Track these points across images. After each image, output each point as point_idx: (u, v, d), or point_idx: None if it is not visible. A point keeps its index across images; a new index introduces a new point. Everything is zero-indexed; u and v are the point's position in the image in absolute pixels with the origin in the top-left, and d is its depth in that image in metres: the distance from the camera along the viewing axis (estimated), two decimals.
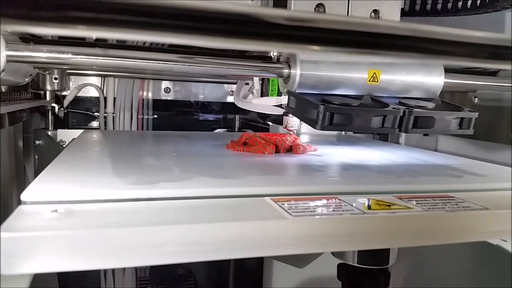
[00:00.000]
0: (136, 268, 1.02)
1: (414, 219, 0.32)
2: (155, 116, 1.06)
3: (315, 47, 0.28)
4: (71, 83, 1.01)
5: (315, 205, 0.32)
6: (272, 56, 0.54)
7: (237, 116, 1.12)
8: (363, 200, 0.34)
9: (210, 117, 1.11)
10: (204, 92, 1.10)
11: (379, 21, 0.30)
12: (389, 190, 0.38)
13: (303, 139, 0.64)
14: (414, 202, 0.35)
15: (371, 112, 0.45)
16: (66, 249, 0.25)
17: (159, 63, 0.45)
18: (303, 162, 0.52)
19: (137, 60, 0.44)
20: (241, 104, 0.62)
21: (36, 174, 0.35)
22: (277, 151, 0.57)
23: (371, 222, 0.31)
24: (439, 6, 0.61)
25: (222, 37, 0.25)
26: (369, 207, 0.33)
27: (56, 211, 0.28)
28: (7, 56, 0.40)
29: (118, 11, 0.22)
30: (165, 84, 1.07)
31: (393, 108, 0.45)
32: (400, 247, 0.45)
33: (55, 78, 0.90)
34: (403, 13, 0.64)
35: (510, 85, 0.61)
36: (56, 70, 0.89)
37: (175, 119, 1.09)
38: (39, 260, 0.24)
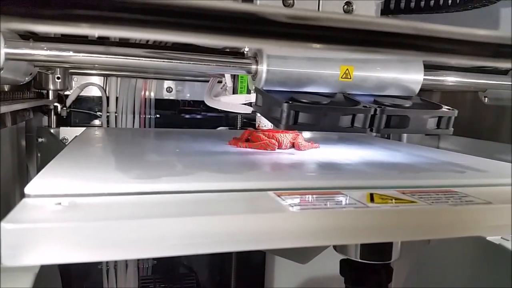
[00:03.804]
0: (138, 267, 1.02)
1: (417, 213, 0.32)
2: (158, 115, 1.07)
3: (317, 45, 0.28)
4: (73, 82, 1.01)
5: (318, 199, 0.32)
6: (245, 52, 0.49)
7: (239, 115, 1.12)
8: (366, 195, 0.34)
9: (212, 116, 1.12)
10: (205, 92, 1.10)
11: (381, 19, 0.30)
12: (392, 185, 0.38)
13: (305, 136, 0.64)
14: (417, 197, 0.35)
15: (339, 111, 0.41)
16: (69, 240, 0.25)
17: (127, 58, 0.42)
18: (305, 158, 0.52)
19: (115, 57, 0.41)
20: (210, 103, 0.59)
21: (38, 171, 0.36)
22: (279, 147, 0.57)
23: (374, 215, 0.31)
24: (431, 3, 0.60)
25: (220, 35, 0.25)
26: (372, 201, 0.33)
27: (60, 204, 0.28)
28: (6, 54, 0.38)
29: (119, 8, 0.22)
30: (167, 83, 1.07)
31: (364, 106, 0.42)
32: (403, 240, 0.44)
33: (58, 78, 0.91)
34: (399, 11, 0.63)
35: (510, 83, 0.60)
36: (58, 69, 0.89)
37: (177, 118, 1.09)
38: (42, 252, 0.24)
